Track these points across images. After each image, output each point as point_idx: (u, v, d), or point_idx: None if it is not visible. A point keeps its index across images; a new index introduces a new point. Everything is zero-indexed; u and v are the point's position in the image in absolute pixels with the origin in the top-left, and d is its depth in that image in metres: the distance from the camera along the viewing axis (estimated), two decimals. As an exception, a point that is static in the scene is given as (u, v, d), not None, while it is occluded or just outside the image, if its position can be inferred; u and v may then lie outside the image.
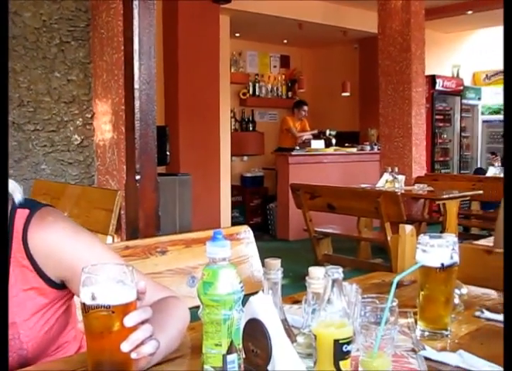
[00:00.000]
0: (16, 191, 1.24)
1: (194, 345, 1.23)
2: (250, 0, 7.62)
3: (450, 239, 1.28)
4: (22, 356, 1.21)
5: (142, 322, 0.98)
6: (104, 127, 4.20)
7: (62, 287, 1.25)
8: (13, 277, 1.21)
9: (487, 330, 1.34)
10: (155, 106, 3.73)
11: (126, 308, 0.96)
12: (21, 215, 1.22)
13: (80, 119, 4.30)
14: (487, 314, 1.41)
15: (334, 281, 0.96)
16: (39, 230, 1.21)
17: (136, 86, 3.55)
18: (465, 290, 1.47)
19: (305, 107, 9.34)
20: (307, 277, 1.10)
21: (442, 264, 1.25)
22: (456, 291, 1.38)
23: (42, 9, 4.11)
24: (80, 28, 4.26)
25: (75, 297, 1.29)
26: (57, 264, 1.21)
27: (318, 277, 1.08)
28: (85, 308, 0.96)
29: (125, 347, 0.95)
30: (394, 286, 1.00)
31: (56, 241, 1.22)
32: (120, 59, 3.92)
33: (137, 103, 3.55)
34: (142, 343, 0.97)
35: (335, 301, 0.96)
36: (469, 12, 8.84)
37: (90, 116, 4.32)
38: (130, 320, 0.95)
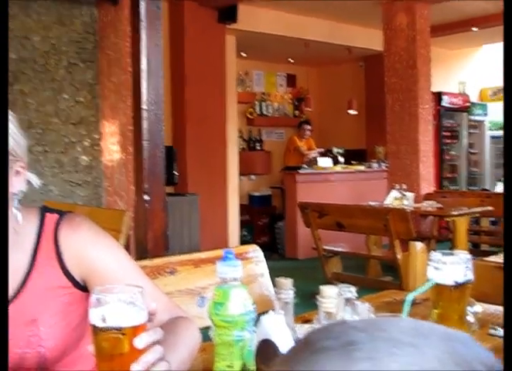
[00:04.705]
0: (32, 177, 1.29)
1: (205, 367, 1.22)
2: (256, 20, 7.67)
3: (463, 256, 1.27)
4: (41, 354, 1.22)
5: (153, 344, 0.97)
6: (112, 148, 4.21)
7: (85, 289, 1.28)
8: (38, 277, 1.24)
9: (502, 348, 1.32)
10: (163, 126, 3.74)
11: (137, 330, 0.95)
12: (50, 218, 1.29)
13: (88, 140, 4.31)
14: (501, 331, 1.39)
15: (347, 300, 0.95)
16: (69, 229, 1.28)
17: (144, 106, 3.56)
18: (478, 307, 1.46)
19: (308, 126, 9.34)
20: (318, 296, 1.09)
21: (456, 282, 1.24)
22: (469, 308, 1.36)
23: (51, 33, 4.14)
24: (87, 50, 4.29)
25: None
26: (81, 262, 1.26)
27: (329, 295, 1.07)
28: (95, 330, 0.95)
29: (136, 369, 0.94)
30: (407, 304, 0.99)
31: (82, 239, 1.28)
32: (127, 79, 3.95)
33: (145, 124, 3.56)
34: (153, 365, 0.96)
35: (348, 321, 0.95)
36: (475, 29, 8.86)
37: (97, 137, 4.34)
38: (140, 342, 0.94)
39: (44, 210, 1.32)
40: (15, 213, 1.23)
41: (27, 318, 1.23)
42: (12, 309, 1.22)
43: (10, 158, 1.17)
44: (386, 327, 0.46)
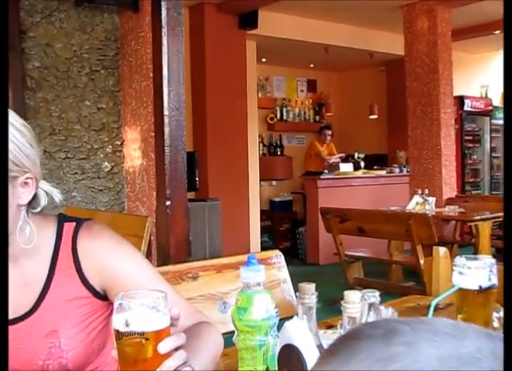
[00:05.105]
0: (54, 191, 1.29)
1: (228, 371, 1.22)
2: (277, 25, 7.68)
3: (487, 260, 1.26)
4: (62, 365, 1.23)
5: (176, 349, 0.97)
6: (134, 154, 4.24)
7: (105, 298, 1.28)
8: (56, 288, 1.24)
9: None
10: (185, 132, 3.76)
11: (160, 335, 0.95)
12: (68, 227, 1.28)
13: (110, 146, 4.34)
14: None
15: (371, 305, 0.95)
16: (88, 237, 1.27)
17: (166, 112, 3.58)
18: (504, 313, 1.43)
19: (328, 131, 9.33)
20: (342, 302, 1.09)
21: (480, 287, 1.22)
22: (495, 314, 1.34)
23: (73, 40, 4.18)
24: (109, 57, 4.32)
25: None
26: (101, 271, 1.25)
27: (353, 301, 1.06)
28: (118, 335, 0.95)
29: (160, 374, 0.94)
30: (432, 309, 0.98)
31: (102, 248, 1.26)
32: (148, 86, 3.97)
33: (166, 130, 3.58)
34: (176, 370, 0.96)
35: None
36: (497, 32, 8.77)
37: (119, 143, 4.37)
38: (164, 346, 0.94)
39: (62, 219, 1.30)
40: (21, 226, 1.21)
41: (47, 330, 1.23)
42: (32, 321, 1.23)
43: (16, 168, 1.16)
44: (428, 321, 0.49)
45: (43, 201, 1.27)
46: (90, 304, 1.26)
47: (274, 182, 9.89)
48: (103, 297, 1.27)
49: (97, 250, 1.26)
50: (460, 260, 1.26)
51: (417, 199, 6.28)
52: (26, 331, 1.22)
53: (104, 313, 1.29)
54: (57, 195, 1.29)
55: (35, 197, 1.24)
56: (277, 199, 9.38)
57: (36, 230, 1.24)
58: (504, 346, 0.45)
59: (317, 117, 10.80)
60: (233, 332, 1.10)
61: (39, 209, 1.26)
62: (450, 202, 6.88)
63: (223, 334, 1.28)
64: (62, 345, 1.22)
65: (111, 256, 1.26)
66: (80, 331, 1.24)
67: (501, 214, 5.95)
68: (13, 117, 1.16)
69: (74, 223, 1.29)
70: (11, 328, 1.20)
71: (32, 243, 1.23)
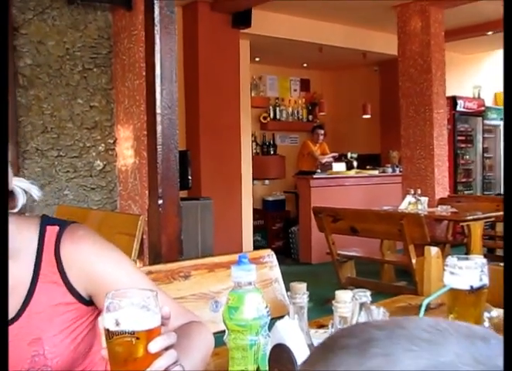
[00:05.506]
0: (32, 188, 1.26)
1: (219, 371, 1.22)
2: (270, 24, 7.67)
3: (479, 260, 1.26)
4: None
5: (167, 348, 0.96)
6: (126, 153, 4.23)
7: (90, 303, 1.25)
8: (41, 293, 1.21)
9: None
10: (177, 130, 3.75)
11: (150, 334, 0.95)
12: (51, 231, 1.24)
13: (103, 144, 4.33)
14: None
15: (362, 305, 0.94)
16: (71, 243, 1.23)
17: (158, 110, 3.57)
18: (495, 312, 1.44)
19: (321, 131, 9.34)
20: (333, 301, 1.08)
21: (471, 287, 1.22)
22: (486, 313, 1.34)
23: (66, 38, 4.17)
24: (102, 55, 4.31)
25: (99, 319, 1.29)
26: (86, 277, 1.22)
27: (344, 300, 1.06)
28: (109, 335, 0.94)
29: (150, 373, 0.93)
30: (423, 309, 0.98)
31: (86, 254, 1.23)
32: (141, 84, 3.96)
33: (159, 128, 3.57)
34: (167, 370, 0.96)
35: (363, 326, 0.94)
36: (489, 33, 8.80)
37: (112, 141, 4.36)
38: (154, 346, 0.94)
39: (45, 222, 1.26)
40: None
41: (31, 338, 1.20)
42: (15, 329, 1.19)
43: None
44: (406, 325, 0.46)
45: (21, 199, 1.23)
46: (75, 310, 1.24)
47: (267, 181, 9.89)
48: (88, 302, 1.25)
49: (81, 255, 1.22)
50: (451, 260, 1.26)
51: (409, 198, 6.29)
52: (12, 337, 1.18)
53: (90, 318, 1.27)
54: (36, 193, 1.26)
55: (12, 196, 1.21)
56: (270, 198, 9.38)
57: (16, 232, 1.20)
58: (504, 347, 0.44)
59: (310, 117, 10.81)
60: (224, 332, 1.10)
61: (16, 210, 1.23)
62: (442, 202, 6.89)
63: (215, 333, 1.27)
64: (46, 353, 1.20)
65: (96, 262, 1.23)
66: (64, 338, 1.22)
67: (493, 214, 5.99)
68: None
69: (57, 227, 1.25)
70: None
71: (16, 247, 1.19)
